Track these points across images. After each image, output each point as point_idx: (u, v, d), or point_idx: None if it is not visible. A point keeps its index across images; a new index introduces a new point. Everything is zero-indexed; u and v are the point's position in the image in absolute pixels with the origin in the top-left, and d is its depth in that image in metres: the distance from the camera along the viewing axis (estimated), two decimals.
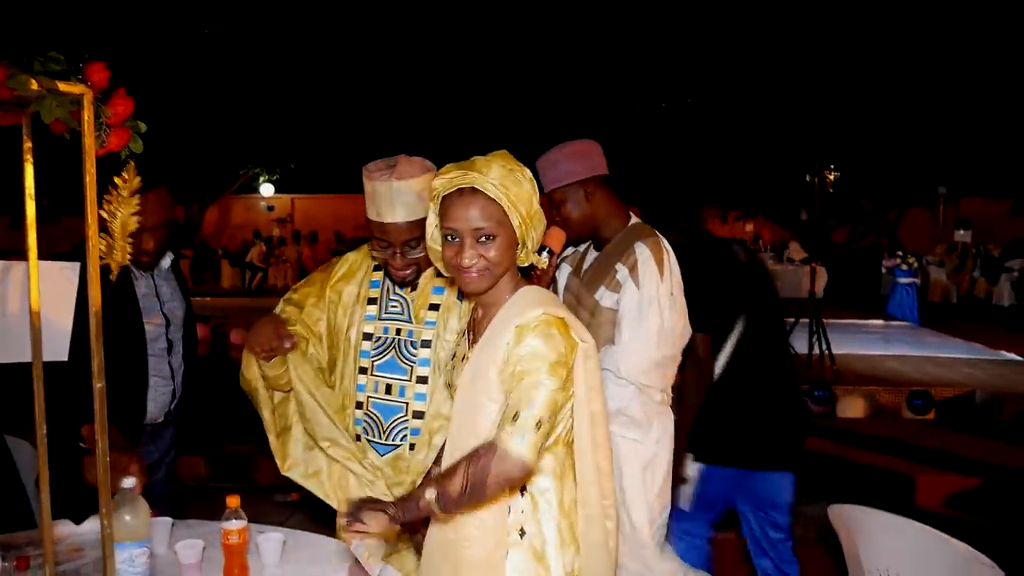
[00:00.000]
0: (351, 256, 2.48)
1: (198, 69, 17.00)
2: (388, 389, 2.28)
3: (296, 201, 26.77)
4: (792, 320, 9.10)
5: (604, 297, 2.55)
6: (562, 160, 2.62)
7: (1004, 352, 10.58)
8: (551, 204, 2.64)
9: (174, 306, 2.87)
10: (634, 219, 2.69)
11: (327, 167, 23.59)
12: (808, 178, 9.86)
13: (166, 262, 2.86)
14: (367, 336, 2.32)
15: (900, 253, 14.77)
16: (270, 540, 2.13)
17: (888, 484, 5.29)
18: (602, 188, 2.66)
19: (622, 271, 2.54)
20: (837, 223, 20.29)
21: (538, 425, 1.65)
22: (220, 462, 5.71)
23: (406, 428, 2.27)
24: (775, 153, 18.09)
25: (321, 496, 2.35)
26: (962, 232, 20.77)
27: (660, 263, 2.48)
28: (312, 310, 2.42)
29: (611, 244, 2.63)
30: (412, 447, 2.26)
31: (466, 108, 20.07)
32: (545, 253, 2.38)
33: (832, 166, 9.64)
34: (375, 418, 2.29)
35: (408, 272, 2.27)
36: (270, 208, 25.88)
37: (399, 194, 2.17)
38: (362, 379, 2.30)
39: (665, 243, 2.57)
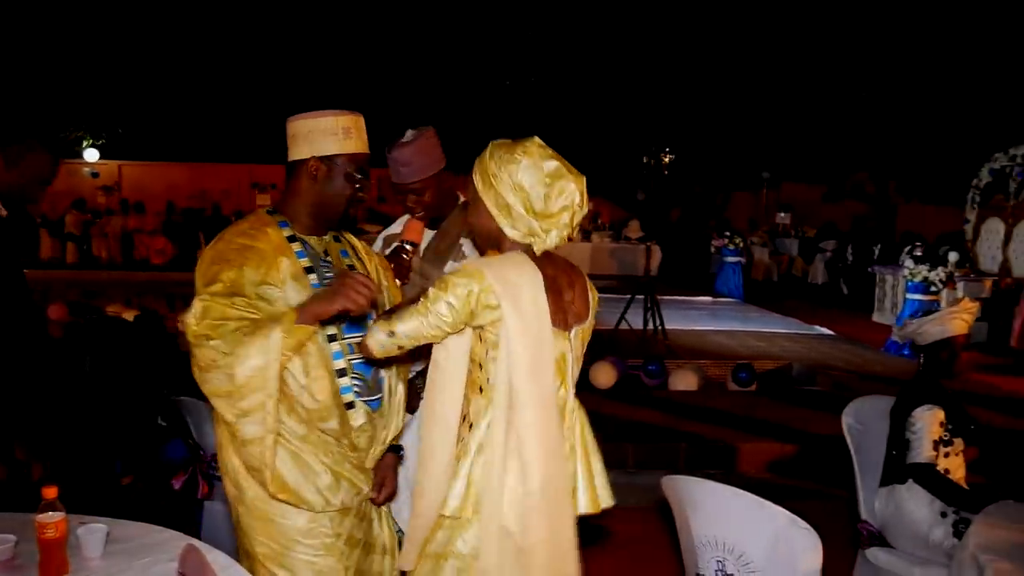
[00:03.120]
0: (241, 241, 2.18)
1: (16, 18, 15.64)
2: None
3: (124, 168, 25.14)
4: (628, 297, 9.43)
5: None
6: (428, 150, 2.73)
7: (818, 327, 11.39)
8: (412, 193, 2.75)
9: None
10: (461, 197, 2.86)
11: (159, 132, 22.37)
12: (645, 159, 10.22)
13: None
14: None
15: (728, 234, 15.56)
16: (92, 531, 2.01)
17: (715, 452, 5.59)
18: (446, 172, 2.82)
19: (467, 244, 2.75)
20: (671, 204, 21.20)
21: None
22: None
23: (383, 375, 2.33)
24: (614, 134, 18.64)
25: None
26: (782, 215, 22.18)
27: None
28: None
29: (448, 221, 2.85)
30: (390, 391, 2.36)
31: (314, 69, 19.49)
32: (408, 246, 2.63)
33: (668, 149, 10.05)
34: (361, 378, 2.27)
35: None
36: (95, 175, 24.19)
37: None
38: (335, 346, 2.22)
39: None
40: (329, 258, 2.29)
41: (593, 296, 2.25)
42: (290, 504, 2.13)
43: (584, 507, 2.18)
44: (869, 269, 14.43)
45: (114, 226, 19.80)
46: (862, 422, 3.46)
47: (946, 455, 3.20)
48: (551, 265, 2.14)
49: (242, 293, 2.09)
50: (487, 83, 19.12)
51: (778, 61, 16.48)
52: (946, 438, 3.19)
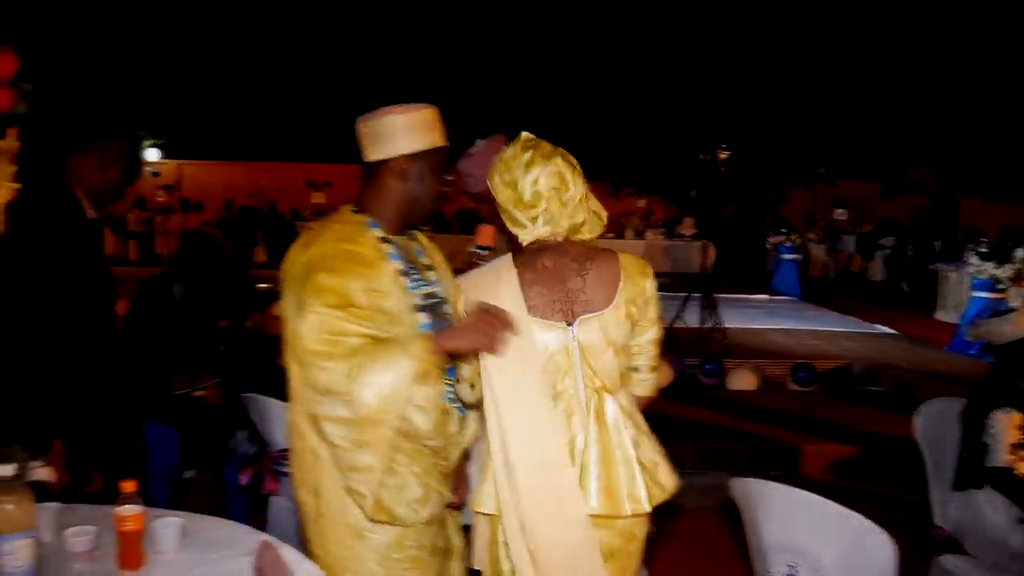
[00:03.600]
0: (344, 247, 2.07)
1: (79, 24, 16.05)
2: None
3: (183, 167, 25.68)
4: (684, 294, 9.33)
5: None
6: (490, 158, 2.72)
7: (878, 326, 11.15)
8: (484, 201, 2.68)
9: None
10: None
11: (218, 132, 22.79)
12: (701, 156, 10.09)
13: None
14: (420, 308, 2.14)
15: (784, 231, 15.33)
16: (168, 525, 2.04)
17: (776, 453, 5.50)
18: None
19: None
20: (724, 201, 20.92)
21: None
22: None
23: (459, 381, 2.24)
24: (665, 131, 18.47)
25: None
26: (839, 211, 21.76)
27: None
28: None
29: None
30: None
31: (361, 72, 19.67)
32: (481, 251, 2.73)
33: (724, 145, 9.91)
34: (450, 382, 2.19)
35: None
36: (156, 174, 24.74)
37: None
38: None
39: None
40: (422, 259, 2.26)
41: (630, 282, 2.13)
42: (383, 522, 2.06)
43: (601, 508, 2.05)
44: (931, 266, 14.08)
45: (174, 224, 20.24)
46: (934, 425, 3.35)
47: (1023, 459, 3.09)
48: (551, 257, 2.13)
49: (356, 304, 1.97)
50: (542, 81, 19.08)
51: (835, 55, 16.16)
52: (1023, 441, 3.08)
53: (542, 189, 2.09)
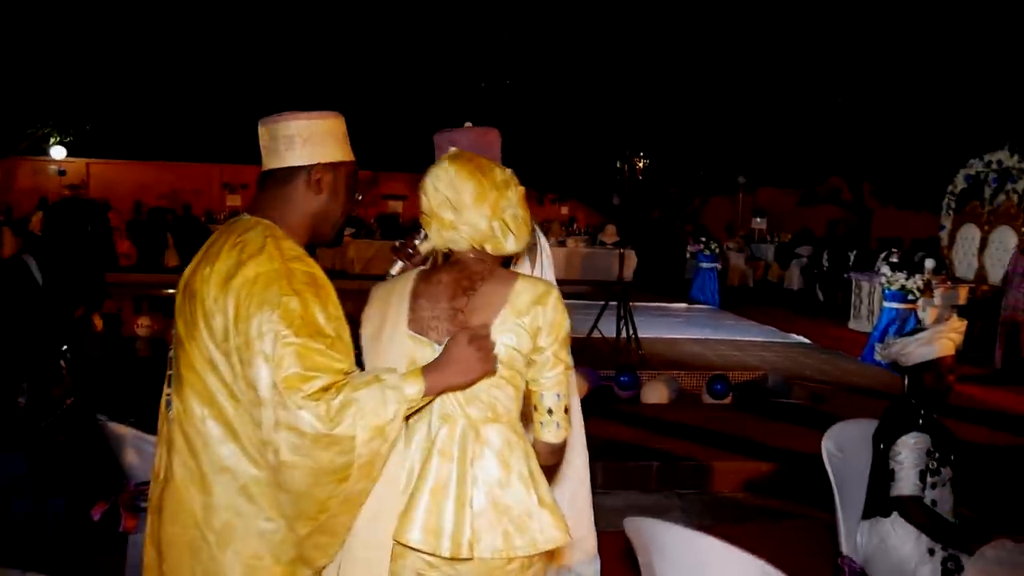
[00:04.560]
0: (298, 267, 1.83)
1: None
2: None
3: (92, 166, 24.63)
4: (602, 303, 9.20)
5: None
6: (481, 146, 2.65)
7: (793, 335, 11.22)
8: None
9: None
10: None
11: (128, 129, 21.91)
12: (618, 164, 10.01)
13: None
14: None
15: (704, 239, 15.40)
16: None
17: (688, 471, 5.36)
18: None
19: None
20: (648, 208, 21.04)
21: None
22: None
23: None
24: (588, 138, 18.45)
25: None
26: (758, 220, 22.10)
27: None
28: None
29: None
30: None
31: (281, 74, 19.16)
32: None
33: (641, 153, 9.88)
34: None
35: None
36: (62, 172, 23.66)
37: None
38: None
39: None
40: None
41: (517, 307, 1.93)
42: None
43: (420, 542, 1.85)
44: (845, 275, 14.31)
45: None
46: (843, 448, 3.23)
47: (933, 486, 2.97)
48: (450, 271, 2.01)
49: (325, 333, 1.75)
50: (461, 85, 18.86)
51: (753, 65, 16.36)
52: (933, 467, 2.97)
53: (432, 198, 1.98)
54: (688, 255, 16.58)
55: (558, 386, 1.98)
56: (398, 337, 1.96)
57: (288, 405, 1.66)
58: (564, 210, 24.08)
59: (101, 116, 20.86)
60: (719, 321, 12.61)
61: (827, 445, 3.21)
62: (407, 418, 1.86)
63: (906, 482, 2.89)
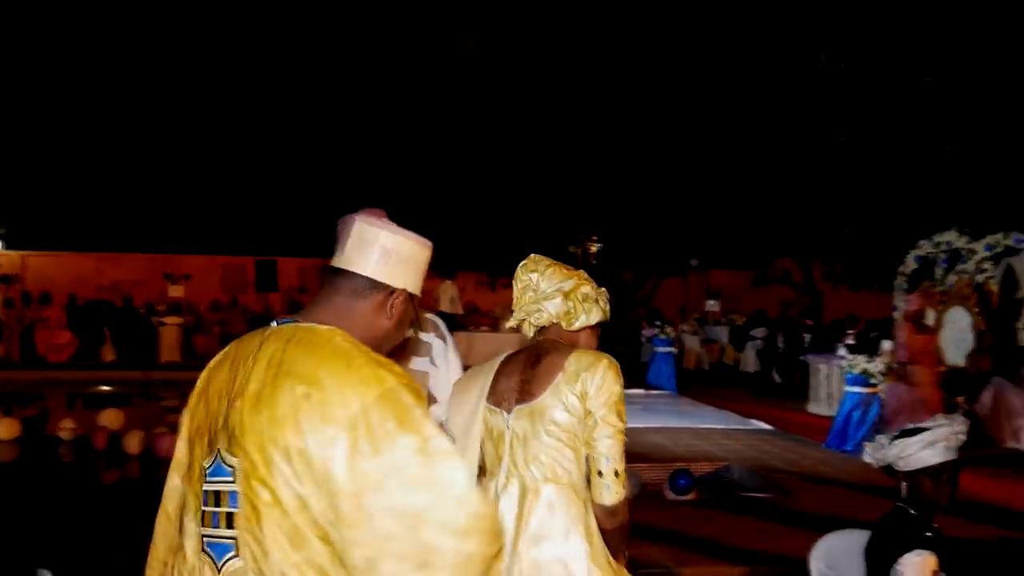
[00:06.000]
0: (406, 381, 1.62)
1: None
2: None
3: (27, 258, 23.85)
4: None
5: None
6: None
7: (754, 421, 10.93)
8: None
9: None
10: None
11: (65, 220, 21.35)
12: (571, 248, 9.84)
13: None
14: None
15: (658, 323, 15.19)
16: None
17: None
18: None
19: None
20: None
21: None
22: None
23: None
24: (541, 222, 18.36)
25: None
26: (711, 302, 22.05)
27: None
28: None
29: None
30: None
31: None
32: None
33: (594, 237, 9.72)
34: None
35: None
36: None
37: None
38: None
39: None
40: None
41: (571, 375, 2.23)
42: None
43: None
44: (801, 358, 14.16)
45: (14, 320, 18.47)
46: (834, 566, 2.85)
47: None
48: (528, 349, 2.41)
49: None
50: (414, 169, 18.75)
51: (701, 149, 16.51)
52: None
53: (516, 292, 2.50)
54: (643, 339, 16.35)
55: (608, 451, 2.19)
56: (480, 408, 2.38)
57: (467, 534, 1.51)
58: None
59: (37, 207, 20.32)
60: (678, 407, 12.30)
61: (816, 565, 2.84)
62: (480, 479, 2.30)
63: None
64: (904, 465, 2.68)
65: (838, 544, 2.94)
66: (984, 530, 5.70)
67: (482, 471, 2.37)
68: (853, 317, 15.25)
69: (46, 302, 20.06)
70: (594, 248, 9.92)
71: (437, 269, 19.95)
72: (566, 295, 2.41)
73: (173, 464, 1.65)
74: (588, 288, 2.45)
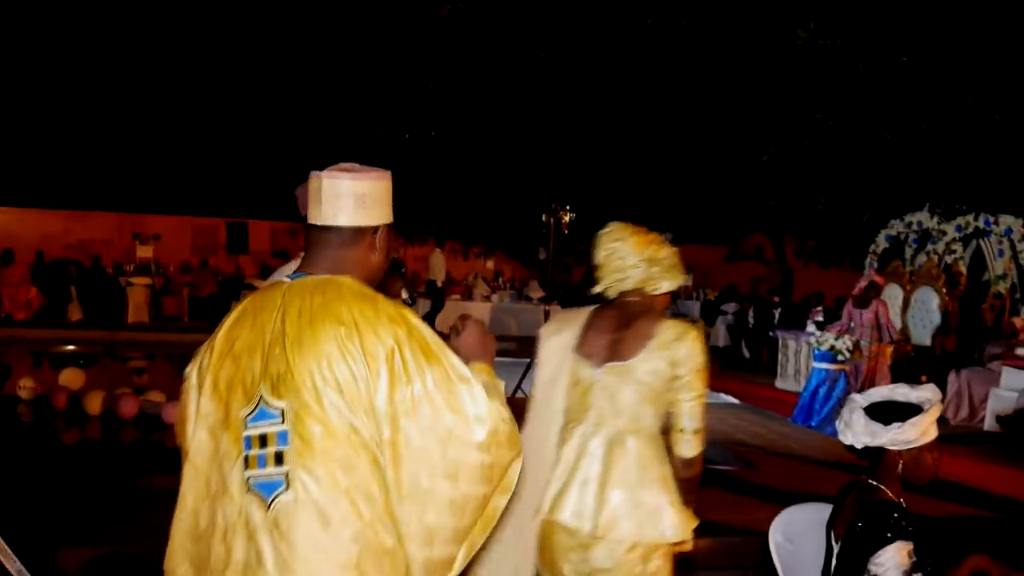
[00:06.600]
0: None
1: None
2: None
3: None
4: (528, 360, 8.82)
5: None
6: None
7: (723, 395, 11.03)
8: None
9: None
10: None
11: (32, 176, 20.92)
12: (544, 218, 9.83)
13: None
14: None
15: None
16: None
17: None
18: None
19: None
20: (575, 262, 20.90)
21: None
22: None
23: None
24: (514, 191, 18.29)
25: None
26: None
27: None
28: None
29: None
30: None
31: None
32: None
33: (568, 207, 9.73)
34: None
35: None
36: None
37: None
38: None
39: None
40: None
41: (661, 343, 2.53)
42: None
43: (569, 521, 2.49)
44: (771, 333, 14.28)
45: None
46: (794, 539, 2.87)
47: None
48: (614, 310, 2.69)
49: None
50: (386, 137, 18.54)
51: (678, 121, 16.47)
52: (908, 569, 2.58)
53: (600, 259, 2.73)
54: None
55: (691, 411, 2.54)
56: (568, 358, 2.65)
57: (502, 463, 1.79)
58: (490, 264, 23.83)
59: (3, 163, 19.87)
60: None
61: (775, 537, 2.86)
62: (567, 424, 2.65)
63: None
64: (903, 445, 2.58)
65: (799, 517, 2.95)
66: (941, 507, 5.79)
67: (567, 417, 2.63)
68: (819, 294, 15.39)
69: (10, 260, 19.76)
70: (567, 219, 9.92)
71: (432, 236, 19.86)
72: (649, 262, 2.65)
73: (198, 419, 1.72)
74: (667, 254, 2.70)
